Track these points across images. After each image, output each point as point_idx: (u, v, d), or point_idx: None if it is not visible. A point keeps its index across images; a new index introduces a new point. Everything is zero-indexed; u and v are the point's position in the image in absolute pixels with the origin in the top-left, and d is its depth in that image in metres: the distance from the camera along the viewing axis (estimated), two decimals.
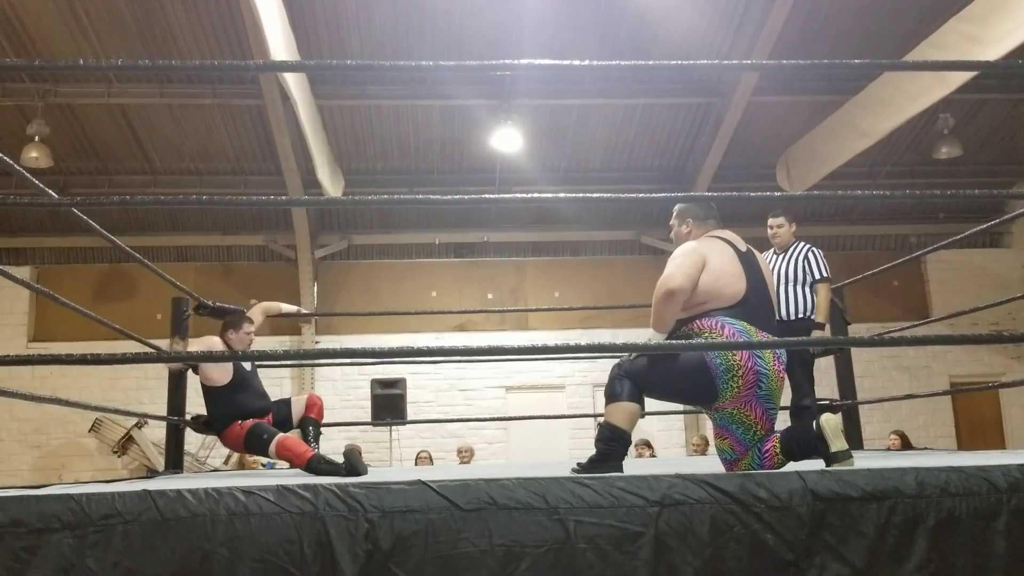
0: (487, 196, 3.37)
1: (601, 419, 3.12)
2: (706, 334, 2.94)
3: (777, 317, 4.61)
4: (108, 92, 10.32)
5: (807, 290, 4.76)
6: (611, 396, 3.04)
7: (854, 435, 5.73)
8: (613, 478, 2.32)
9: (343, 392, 11.69)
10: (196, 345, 4.69)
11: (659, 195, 3.24)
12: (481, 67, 2.77)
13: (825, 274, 4.77)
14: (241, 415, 4.45)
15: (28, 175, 3.10)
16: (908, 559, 2.21)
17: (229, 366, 4.53)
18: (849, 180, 11.56)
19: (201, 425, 5.13)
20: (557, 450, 11.49)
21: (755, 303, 3.02)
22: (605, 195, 3.52)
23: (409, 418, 9.58)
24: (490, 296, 12.25)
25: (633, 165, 12.06)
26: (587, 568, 2.16)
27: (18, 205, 4.70)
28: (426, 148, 11.63)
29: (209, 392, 4.57)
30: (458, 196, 3.19)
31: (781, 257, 4.93)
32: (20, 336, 11.62)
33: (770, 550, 2.19)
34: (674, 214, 3.39)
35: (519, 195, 3.28)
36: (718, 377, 2.88)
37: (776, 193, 3.65)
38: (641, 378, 3.01)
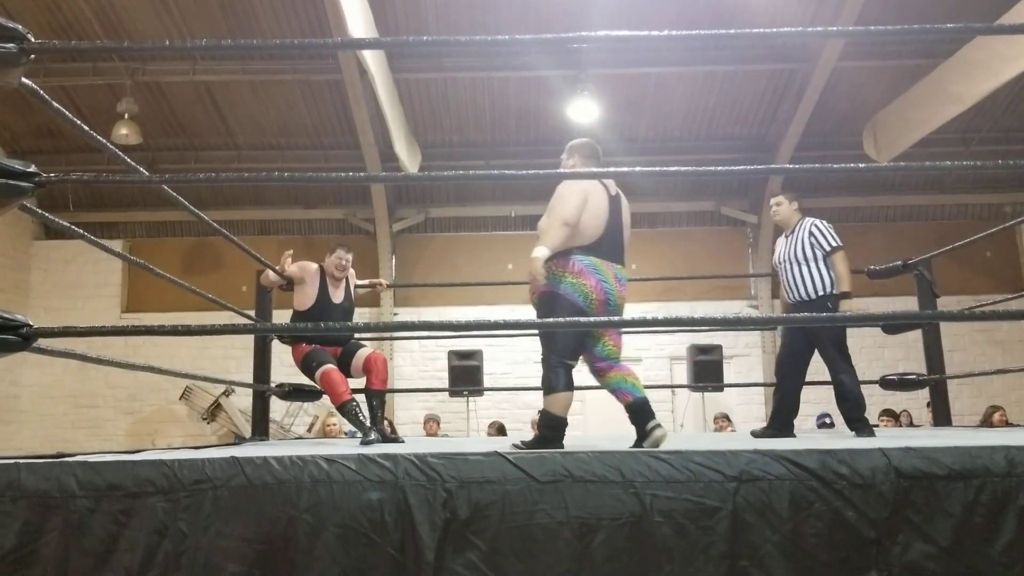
0: (562, 171, 3.44)
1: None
2: (559, 272, 3.44)
3: (796, 298, 4.61)
4: (193, 70, 10.59)
5: (821, 266, 4.58)
6: (548, 388, 3.42)
7: (942, 411, 5.58)
8: (690, 453, 2.30)
9: (421, 363, 11.87)
10: (293, 267, 4.96)
11: (736, 167, 3.17)
12: (558, 40, 2.74)
13: (836, 243, 4.58)
14: (307, 338, 4.70)
15: (120, 153, 3.21)
16: (996, 539, 2.14)
17: (312, 295, 4.83)
18: (940, 147, 11.12)
19: (286, 393, 5.30)
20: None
21: (607, 242, 3.50)
22: (683, 168, 3.48)
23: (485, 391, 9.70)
24: None
25: (713, 134, 11.84)
26: (663, 542, 2.16)
27: (113, 182, 4.90)
28: (502, 120, 11.62)
29: (294, 314, 4.90)
30: (532, 171, 3.21)
31: (787, 239, 4.78)
32: (114, 307, 12.11)
33: (851, 527, 2.16)
34: (566, 148, 3.82)
35: (593, 169, 3.26)
36: (586, 307, 3.39)
37: (861, 164, 3.53)
38: (561, 344, 3.42)
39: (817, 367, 4.68)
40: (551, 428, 3.38)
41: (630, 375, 3.51)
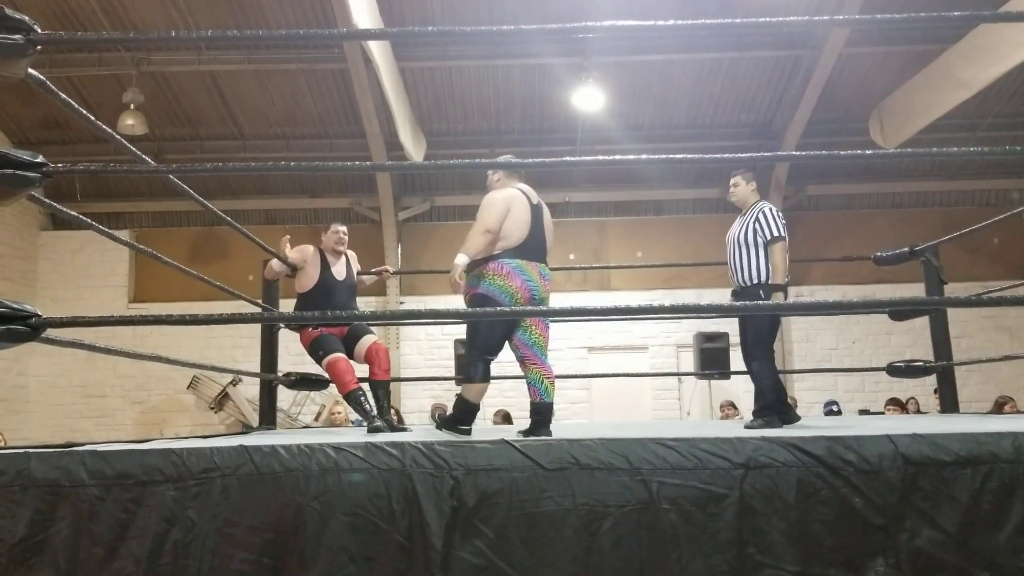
0: (567, 159, 3.46)
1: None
2: (489, 275, 3.72)
3: (736, 283, 4.56)
4: (198, 60, 10.59)
5: (761, 253, 4.43)
6: (466, 377, 3.75)
7: (949, 398, 5.57)
8: (697, 440, 2.30)
9: (427, 352, 11.88)
10: (293, 252, 4.99)
11: (742, 155, 3.16)
12: (563, 30, 2.75)
13: (776, 233, 4.41)
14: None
15: (127, 143, 3.22)
16: (1004, 525, 2.14)
17: (315, 276, 4.87)
18: (947, 133, 11.06)
19: (293, 382, 5.32)
20: (640, 411, 11.46)
21: (531, 245, 3.82)
22: (689, 155, 3.47)
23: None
24: (572, 256, 12.20)
25: (719, 121, 11.80)
26: (670, 529, 2.16)
27: (120, 173, 4.91)
28: (507, 108, 11.59)
29: (298, 296, 4.92)
30: (539, 160, 3.22)
31: (740, 220, 4.64)
32: (121, 297, 12.15)
33: (858, 514, 2.16)
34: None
35: (600, 157, 3.27)
36: (511, 305, 3.66)
37: (868, 151, 3.52)
38: (482, 341, 3.71)
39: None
40: (463, 412, 3.72)
41: (548, 377, 3.79)
